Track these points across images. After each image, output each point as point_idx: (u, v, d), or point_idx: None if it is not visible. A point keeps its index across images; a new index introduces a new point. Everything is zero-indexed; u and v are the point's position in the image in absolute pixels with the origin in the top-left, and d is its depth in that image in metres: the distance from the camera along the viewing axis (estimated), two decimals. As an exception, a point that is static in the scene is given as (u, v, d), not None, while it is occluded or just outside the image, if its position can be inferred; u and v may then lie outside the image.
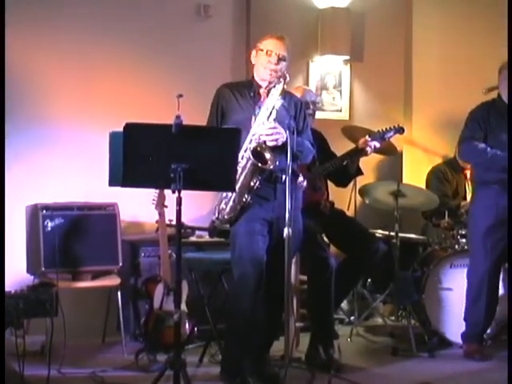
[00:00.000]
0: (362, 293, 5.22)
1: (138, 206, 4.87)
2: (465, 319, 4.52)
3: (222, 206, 3.74)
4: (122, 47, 5.09)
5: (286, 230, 3.57)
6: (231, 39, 5.49)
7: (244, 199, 3.68)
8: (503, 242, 4.40)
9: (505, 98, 4.40)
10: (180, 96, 3.76)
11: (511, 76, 4.34)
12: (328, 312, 4.32)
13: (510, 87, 4.30)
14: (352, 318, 5.22)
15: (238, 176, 3.61)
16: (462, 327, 4.52)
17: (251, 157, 3.61)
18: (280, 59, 3.79)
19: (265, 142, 3.65)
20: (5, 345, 3.48)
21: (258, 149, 3.63)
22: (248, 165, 3.63)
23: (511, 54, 4.76)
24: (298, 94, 4.28)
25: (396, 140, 5.04)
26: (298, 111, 3.91)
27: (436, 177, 5.49)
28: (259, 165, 3.60)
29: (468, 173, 5.32)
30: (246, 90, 3.87)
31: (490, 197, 4.37)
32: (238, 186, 3.62)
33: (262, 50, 3.83)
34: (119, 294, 4.48)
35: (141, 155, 3.30)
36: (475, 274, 4.46)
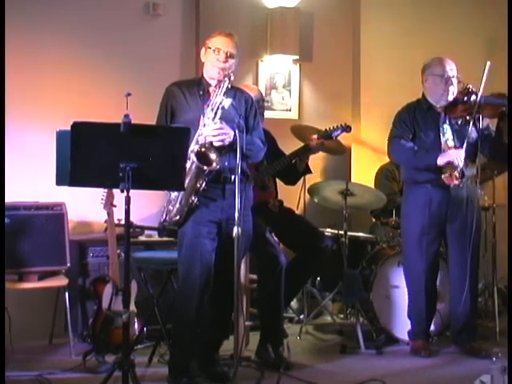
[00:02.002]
0: (311, 291, 5.25)
1: (86, 206, 4.83)
2: (409, 317, 4.59)
3: (170, 207, 3.73)
4: (70, 46, 5.03)
5: (235, 230, 3.58)
6: (180, 38, 5.47)
7: (190, 201, 3.66)
8: (437, 241, 4.51)
9: (429, 97, 4.50)
10: (128, 95, 3.73)
11: (511, 76, 4.43)
12: (277, 311, 4.34)
13: (510, 88, 4.37)
14: (301, 316, 5.25)
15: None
16: (409, 324, 4.59)
17: (194, 159, 3.59)
18: (228, 57, 3.78)
19: (211, 142, 3.64)
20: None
21: (203, 150, 3.62)
22: (193, 167, 3.61)
23: (511, 54, 4.87)
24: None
25: (344, 139, 5.09)
26: (248, 108, 3.90)
27: (384, 175, 5.57)
28: (204, 167, 3.59)
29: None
30: (195, 89, 3.85)
31: (422, 196, 4.45)
32: None
33: (211, 48, 3.81)
34: (67, 294, 4.43)
35: (88, 154, 3.26)
36: (412, 273, 4.54)
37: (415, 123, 4.49)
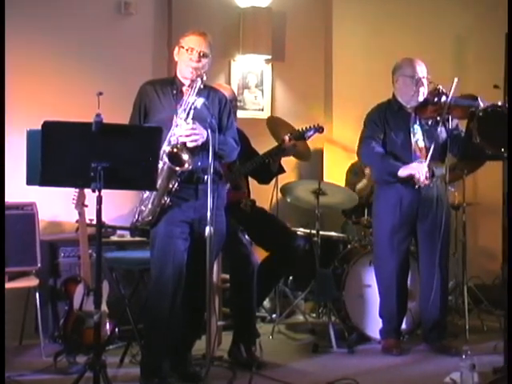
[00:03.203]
0: (283, 290, 5.27)
1: (57, 206, 4.79)
2: (380, 316, 4.63)
3: (142, 207, 3.71)
4: (41, 46, 5.00)
5: (207, 229, 3.58)
6: (152, 37, 5.45)
7: (163, 201, 3.65)
8: (408, 239, 4.55)
9: (400, 98, 4.54)
10: (100, 94, 3.71)
11: (511, 77, 4.45)
12: (250, 310, 4.34)
13: (510, 86, 4.40)
14: (274, 315, 5.26)
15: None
16: (381, 323, 4.62)
17: (166, 160, 3.58)
18: (202, 56, 3.77)
19: (184, 143, 3.63)
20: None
21: (174, 151, 3.61)
22: (165, 167, 3.60)
23: (511, 54, 4.89)
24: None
25: (317, 139, 5.11)
26: (222, 108, 3.90)
27: (352, 172, 5.59)
28: (176, 168, 3.58)
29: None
30: (168, 88, 3.84)
31: (393, 196, 4.49)
32: None
33: (184, 47, 3.80)
34: (37, 295, 4.40)
35: (60, 154, 3.24)
36: (383, 272, 4.57)
37: (386, 123, 4.53)
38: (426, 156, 4.40)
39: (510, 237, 4.42)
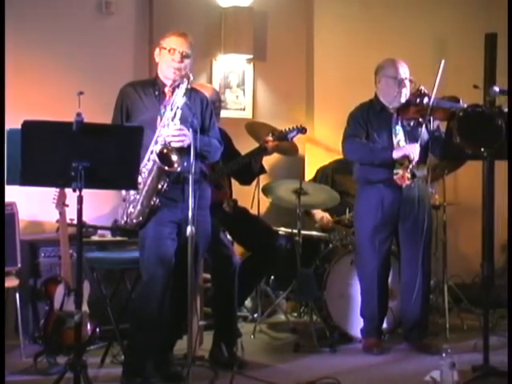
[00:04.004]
0: (265, 290, 5.28)
1: (37, 205, 4.76)
2: (361, 315, 4.65)
3: (130, 209, 3.69)
4: (21, 45, 4.95)
5: (188, 229, 3.57)
6: (133, 36, 5.43)
7: (152, 202, 3.64)
8: (389, 239, 4.57)
9: (382, 98, 4.56)
10: (81, 93, 3.69)
11: (511, 76, 4.46)
12: (231, 310, 4.35)
13: (510, 87, 4.41)
14: (255, 315, 5.26)
15: (145, 179, 3.58)
16: (362, 322, 4.64)
17: (157, 160, 3.57)
18: (184, 57, 3.77)
19: (170, 143, 3.62)
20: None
21: (165, 151, 3.60)
22: (154, 168, 3.59)
23: (511, 54, 4.91)
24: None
25: (298, 139, 5.10)
26: (204, 109, 3.89)
27: (320, 176, 5.58)
28: (165, 168, 3.58)
29: None
30: (150, 89, 3.83)
31: (375, 196, 4.51)
32: (145, 190, 3.60)
33: (165, 48, 3.79)
34: (18, 295, 4.36)
35: (40, 153, 3.22)
36: (365, 271, 4.59)
37: (368, 123, 4.54)
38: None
39: (509, 236, 4.46)
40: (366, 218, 4.55)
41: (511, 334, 4.00)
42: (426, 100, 4.38)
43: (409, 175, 4.40)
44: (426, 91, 4.41)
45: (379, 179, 4.48)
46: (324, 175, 5.60)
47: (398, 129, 4.52)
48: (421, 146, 4.44)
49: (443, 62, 4.35)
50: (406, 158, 4.37)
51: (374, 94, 4.62)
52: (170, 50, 3.77)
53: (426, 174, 4.54)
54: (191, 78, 3.72)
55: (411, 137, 4.48)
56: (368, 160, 4.51)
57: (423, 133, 4.46)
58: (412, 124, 4.52)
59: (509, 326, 4.01)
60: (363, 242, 4.58)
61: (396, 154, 4.40)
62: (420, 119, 4.44)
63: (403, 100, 4.49)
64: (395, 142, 4.50)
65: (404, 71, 4.50)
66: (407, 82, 4.49)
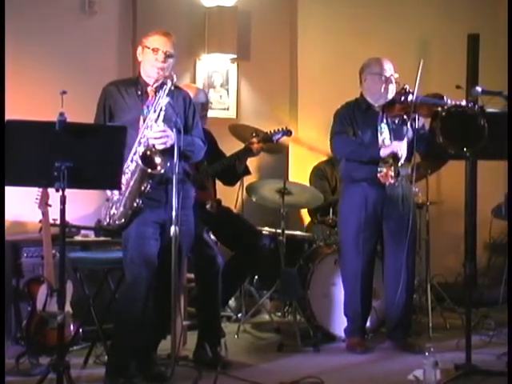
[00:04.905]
0: (249, 290, 5.28)
1: (20, 205, 4.73)
2: (345, 314, 4.65)
3: (113, 211, 3.67)
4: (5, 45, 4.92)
5: (172, 228, 3.57)
6: (117, 36, 5.42)
7: (135, 204, 3.63)
8: (374, 238, 4.57)
9: (368, 97, 4.57)
10: (64, 93, 3.66)
11: (511, 77, 4.47)
12: (215, 310, 4.34)
13: (510, 87, 4.42)
14: (239, 315, 5.26)
15: (128, 180, 3.57)
16: (345, 322, 4.65)
17: (140, 162, 3.56)
18: (167, 56, 3.75)
19: (154, 145, 3.61)
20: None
21: (148, 153, 3.59)
22: (137, 169, 3.58)
23: (511, 56, 4.92)
24: (191, 93, 4.23)
25: (282, 138, 5.11)
26: (186, 107, 3.88)
27: (315, 175, 5.65)
28: (149, 170, 3.57)
29: None
30: (132, 88, 3.81)
31: (358, 194, 4.52)
32: (128, 191, 3.59)
33: (149, 48, 3.77)
34: (-1, 295, 4.34)
35: (23, 153, 3.21)
36: (349, 270, 4.60)
37: (354, 121, 4.54)
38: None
39: (509, 234, 4.48)
40: (349, 216, 4.56)
41: (511, 334, 4.01)
42: (410, 97, 4.40)
43: (393, 173, 4.41)
44: (410, 89, 4.43)
45: (363, 177, 4.50)
46: (319, 170, 5.62)
47: (384, 127, 4.53)
48: (406, 143, 4.47)
49: (422, 61, 4.37)
50: (394, 155, 4.39)
51: (360, 94, 4.63)
52: (153, 50, 3.75)
53: (409, 172, 4.55)
54: (175, 79, 3.71)
55: (396, 135, 4.49)
56: (357, 155, 4.51)
57: (408, 130, 4.48)
58: (397, 122, 4.53)
59: (509, 325, 4.02)
60: (347, 241, 4.58)
61: (383, 152, 4.41)
62: (405, 116, 4.46)
63: (390, 96, 4.49)
64: (380, 139, 4.50)
65: (389, 67, 4.52)
66: (393, 79, 4.51)
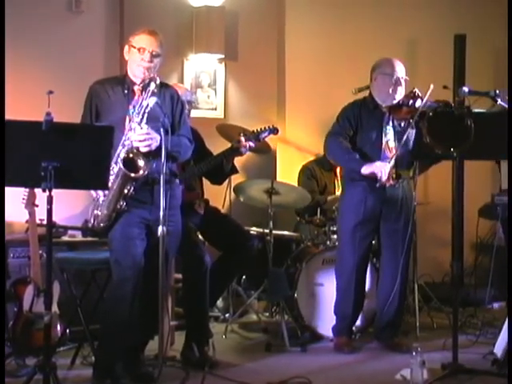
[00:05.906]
0: (236, 290, 5.27)
1: (6, 205, 4.69)
2: (335, 313, 4.66)
3: (97, 212, 3.67)
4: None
5: (159, 229, 3.57)
6: (104, 35, 5.40)
7: (119, 206, 3.63)
8: (370, 237, 4.58)
9: (376, 96, 4.56)
10: (50, 92, 3.65)
11: (511, 77, 4.46)
12: (203, 310, 4.34)
13: (510, 88, 4.42)
14: (227, 315, 5.25)
15: (112, 182, 3.56)
16: (333, 321, 4.66)
17: (122, 166, 3.54)
18: (153, 56, 3.74)
19: (138, 148, 3.60)
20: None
21: (130, 155, 3.58)
22: (120, 173, 3.57)
23: (511, 56, 4.91)
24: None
25: (270, 138, 5.12)
26: (174, 104, 3.87)
27: (304, 174, 5.66)
28: (131, 175, 3.55)
29: (338, 170, 5.48)
30: (119, 87, 3.80)
31: (357, 193, 4.51)
32: (112, 193, 3.58)
33: (135, 47, 3.76)
34: (-15, 296, 4.32)
35: (9, 153, 3.19)
36: (343, 269, 4.59)
37: (359, 120, 4.53)
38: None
39: (509, 235, 4.49)
40: (347, 215, 4.56)
41: (511, 333, 4.02)
42: (418, 102, 4.39)
43: (393, 175, 4.41)
44: (419, 93, 4.41)
45: (362, 177, 4.49)
46: (308, 170, 5.63)
47: (389, 128, 4.51)
48: (409, 148, 4.46)
49: (431, 86, 4.31)
50: (374, 175, 4.37)
51: (369, 93, 4.61)
52: (139, 49, 3.74)
53: (410, 174, 4.57)
54: (158, 81, 3.69)
55: (400, 137, 4.45)
56: (341, 164, 4.57)
57: (412, 134, 4.46)
58: (402, 125, 4.52)
59: (509, 325, 4.02)
60: (344, 240, 4.58)
61: (365, 170, 4.38)
62: (411, 120, 4.43)
63: (398, 98, 4.47)
64: (384, 140, 4.49)
65: (400, 69, 4.50)
66: (403, 81, 4.50)
